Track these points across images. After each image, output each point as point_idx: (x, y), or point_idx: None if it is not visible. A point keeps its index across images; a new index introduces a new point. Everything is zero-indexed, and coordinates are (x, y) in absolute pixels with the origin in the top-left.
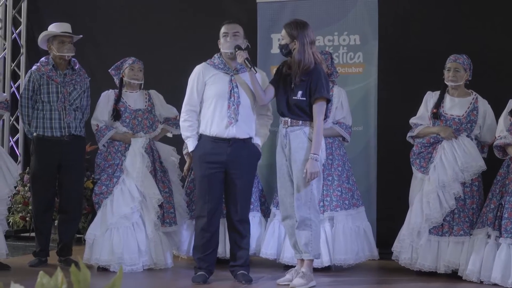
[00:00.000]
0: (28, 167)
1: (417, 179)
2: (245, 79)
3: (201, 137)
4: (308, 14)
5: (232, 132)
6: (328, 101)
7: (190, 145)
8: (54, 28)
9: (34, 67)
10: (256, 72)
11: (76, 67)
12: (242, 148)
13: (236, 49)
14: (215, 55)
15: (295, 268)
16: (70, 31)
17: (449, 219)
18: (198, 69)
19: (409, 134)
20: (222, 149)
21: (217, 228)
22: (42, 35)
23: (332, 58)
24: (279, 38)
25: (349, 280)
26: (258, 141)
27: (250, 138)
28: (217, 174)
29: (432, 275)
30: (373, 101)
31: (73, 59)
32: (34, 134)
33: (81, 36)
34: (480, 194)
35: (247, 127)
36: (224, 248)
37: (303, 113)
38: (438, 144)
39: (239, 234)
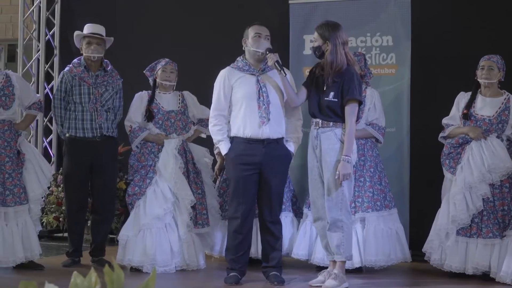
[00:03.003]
0: (61, 168)
1: (447, 179)
2: (273, 78)
3: (233, 140)
4: (340, 15)
5: (266, 132)
6: (360, 103)
7: (223, 148)
8: (85, 29)
9: (66, 68)
10: (286, 74)
11: (108, 68)
12: (275, 149)
13: (267, 52)
14: (238, 58)
15: (328, 269)
16: (102, 33)
17: (477, 221)
18: (223, 73)
19: (441, 134)
20: (256, 150)
21: (250, 229)
22: (74, 35)
23: (365, 59)
24: (311, 40)
25: (381, 282)
26: (291, 147)
27: (282, 138)
28: (252, 175)
29: (464, 277)
30: (406, 102)
31: (105, 60)
32: (67, 135)
33: (112, 38)
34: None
35: (279, 126)
36: (256, 248)
37: (334, 115)
38: (466, 144)
39: (272, 235)
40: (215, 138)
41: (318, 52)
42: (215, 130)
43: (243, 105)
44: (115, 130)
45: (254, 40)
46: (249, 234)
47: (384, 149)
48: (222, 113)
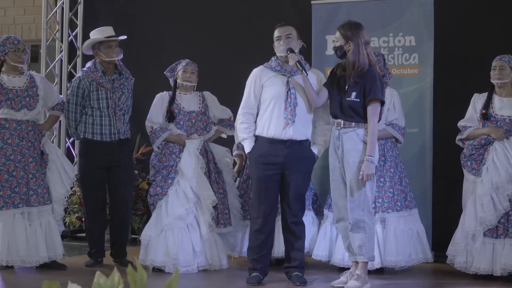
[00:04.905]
0: None
1: (468, 181)
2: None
3: (257, 139)
4: (363, 15)
5: (289, 133)
6: (382, 103)
7: (247, 146)
8: (97, 33)
9: (81, 73)
10: (308, 75)
11: (123, 71)
12: (298, 150)
13: (288, 52)
14: (272, 58)
15: (350, 270)
16: (114, 33)
17: (503, 221)
18: (255, 72)
19: (458, 137)
20: (279, 151)
21: (271, 229)
22: (87, 43)
23: (385, 59)
24: (334, 40)
25: (402, 283)
26: (316, 150)
27: (307, 140)
28: (273, 175)
29: (488, 278)
30: (428, 102)
31: (119, 61)
32: (81, 136)
33: (125, 36)
34: None
35: (304, 128)
36: (279, 248)
37: (356, 115)
38: (489, 145)
39: (294, 235)
40: (240, 136)
41: (340, 52)
42: (242, 128)
43: (270, 105)
44: (129, 131)
45: (277, 44)
46: (271, 233)
47: (406, 150)
48: (251, 112)
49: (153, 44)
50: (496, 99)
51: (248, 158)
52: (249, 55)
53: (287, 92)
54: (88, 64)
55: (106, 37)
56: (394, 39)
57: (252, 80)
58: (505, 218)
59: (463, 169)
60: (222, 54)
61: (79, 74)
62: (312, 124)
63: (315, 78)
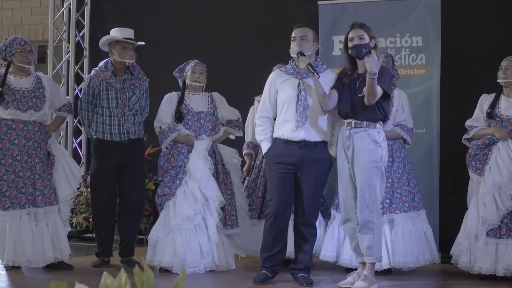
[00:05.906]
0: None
1: (473, 181)
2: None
3: (274, 141)
4: (370, 15)
5: (301, 135)
6: (387, 96)
7: (264, 147)
8: (117, 32)
9: (93, 72)
10: (319, 77)
11: (135, 72)
12: (312, 151)
13: (299, 55)
14: (290, 61)
15: (357, 271)
16: (133, 37)
17: (506, 221)
18: (271, 76)
19: (464, 136)
20: (293, 151)
21: (283, 228)
22: (104, 39)
23: (393, 60)
24: (341, 40)
25: (410, 284)
26: (333, 152)
27: (322, 141)
28: (287, 175)
29: (495, 279)
30: (435, 103)
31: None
32: (94, 136)
33: (143, 43)
34: None
35: (317, 130)
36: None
37: (368, 113)
38: (493, 145)
39: (303, 237)
40: (258, 138)
41: (366, 49)
42: (258, 130)
43: (283, 108)
44: (142, 131)
45: (291, 45)
46: (283, 232)
47: (413, 150)
48: (267, 115)
49: (159, 44)
50: (503, 99)
51: (265, 158)
52: (255, 55)
53: (298, 94)
54: (101, 63)
55: (124, 38)
56: (401, 39)
57: (268, 84)
58: (508, 219)
59: (468, 169)
60: (230, 54)
61: (91, 73)
62: (330, 126)
63: (333, 78)
